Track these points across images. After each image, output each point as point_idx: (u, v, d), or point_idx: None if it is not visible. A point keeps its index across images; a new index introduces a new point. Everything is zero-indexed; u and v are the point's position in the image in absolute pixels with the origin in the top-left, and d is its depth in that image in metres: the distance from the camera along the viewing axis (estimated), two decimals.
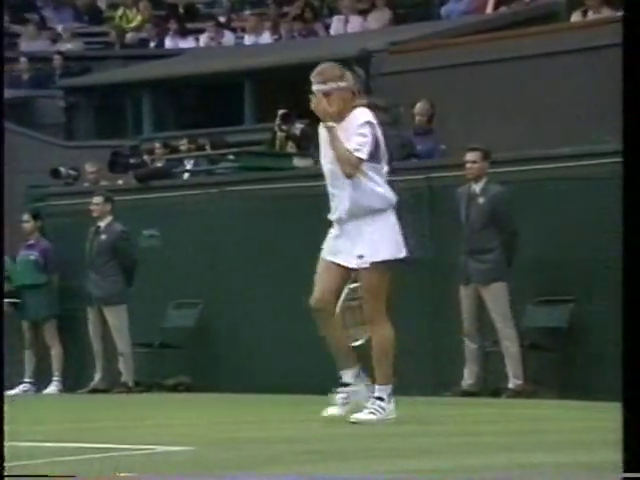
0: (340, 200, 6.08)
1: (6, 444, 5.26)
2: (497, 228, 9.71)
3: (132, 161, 13.21)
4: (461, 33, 14.27)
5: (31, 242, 12.69)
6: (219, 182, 12.14)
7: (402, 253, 6.09)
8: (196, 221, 11.78)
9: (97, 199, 12.03)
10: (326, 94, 6.07)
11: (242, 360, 11.19)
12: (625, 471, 2.69)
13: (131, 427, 6.51)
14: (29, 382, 12.60)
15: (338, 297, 6.10)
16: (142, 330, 11.84)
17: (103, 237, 11.98)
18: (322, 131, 6.18)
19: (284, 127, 12.47)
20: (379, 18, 16.33)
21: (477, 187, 9.84)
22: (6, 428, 6.56)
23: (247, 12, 17.36)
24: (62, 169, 13.30)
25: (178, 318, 11.88)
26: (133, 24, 17.84)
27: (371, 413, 6.04)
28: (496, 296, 9.66)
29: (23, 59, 16.87)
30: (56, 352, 12.54)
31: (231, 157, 13.06)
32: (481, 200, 9.80)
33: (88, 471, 4.17)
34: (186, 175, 13.38)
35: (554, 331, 9.69)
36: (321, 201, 11.58)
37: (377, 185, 6.03)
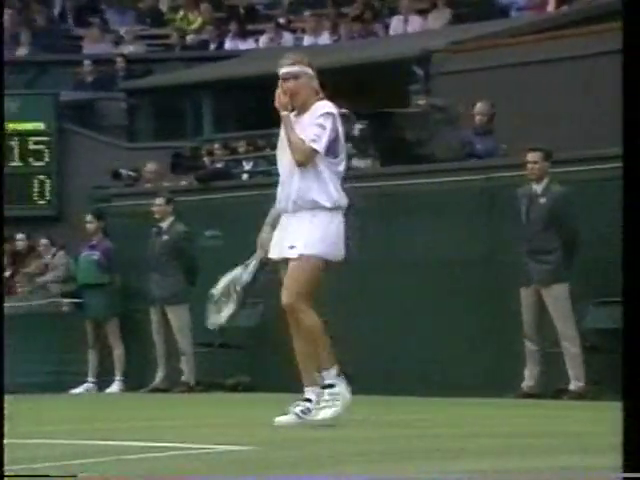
0: (288, 192, 5.96)
1: (70, 442, 5.34)
2: (558, 229, 9.64)
3: (193, 162, 13.31)
4: (522, 32, 14.17)
5: (94, 242, 12.84)
6: (278, 182, 12.16)
7: (336, 257, 5.91)
8: (256, 221, 11.83)
9: (159, 200, 12.15)
10: (295, 77, 5.96)
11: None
12: (625, 471, 2.65)
13: (192, 426, 6.56)
14: (92, 381, 12.75)
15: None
16: (203, 330, 11.92)
17: (165, 238, 12.08)
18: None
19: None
20: (439, 17, 16.27)
21: (538, 188, 9.78)
22: (69, 427, 6.66)
23: (306, 13, 17.39)
24: (122, 171, 13.45)
25: (239, 318, 11.93)
26: (194, 26, 17.95)
27: (329, 407, 5.83)
28: (557, 297, 9.59)
29: (86, 62, 17.06)
30: (118, 351, 12.67)
31: None
32: (542, 201, 9.74)
33: (148, 470, 4.22)
34: (245, 176, 13.45)
35: (616, 332, 9.59)
36: (379, 201, 11.61)
37: (327, 182, 5.87)
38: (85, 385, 12.73)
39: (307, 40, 17.00)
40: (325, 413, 5.86)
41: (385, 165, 11.58)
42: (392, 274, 10.91)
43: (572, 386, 9.47)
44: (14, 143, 15.41)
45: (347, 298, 11.13)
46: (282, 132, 6.06)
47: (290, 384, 11.51)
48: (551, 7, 15.37)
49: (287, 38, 17.23)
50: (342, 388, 5.89)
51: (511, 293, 9.81)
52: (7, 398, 12.05)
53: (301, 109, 5.98)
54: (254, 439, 5.31)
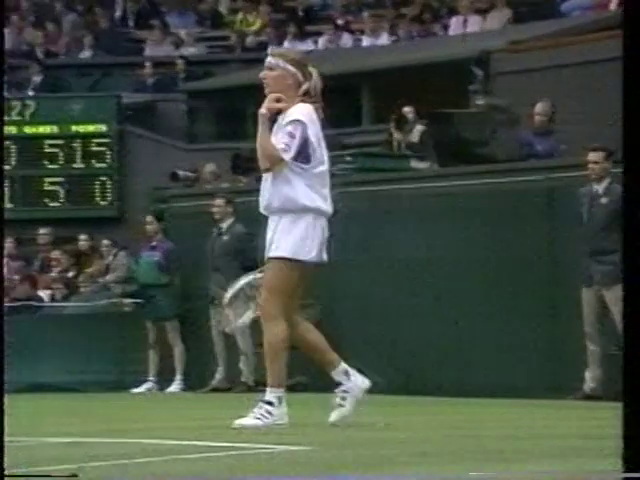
0: (262, 195, 5.96)
1: (132, 440, 5.36)
2: (620, 229, 9.49)
3: (252, 163, 13.33)
4: (582, 31, 14.01)
5: (154, 243, 12.92)
6: (336, 183, 12.14)
7: (307, 256, 5.80)
8: None
9: (218, 201, 12.18)
10: (270, 68, 5.94)
11: (359, 360, 11.19)
12: (625, 471, 2.59)
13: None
14: (153, 381, 12.83)
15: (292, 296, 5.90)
16: (262, 330, 11.92)
17: (225, 238, 12.12)
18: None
19: (399, 129, 12.47)
20: (498, 17, 16.15)
21: (600, 187, 9.66)
22: (129, 426, 6.68)
23: (365, 14, 17.36)
24: (180, 172, 13.52)
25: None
26: (253, 28, 18.02)
27: (257, 418, 5.77)
28: (619, 298, 9.45)
29: (147, 64, 17.19)
30: (178, 351, 12.73)
31: (348, 158, 13.08)
32: (604, 200, 9.61)
33: (206, 470, 4.22)
34: None
35: None
36: (440, 202, 11.52)
37: (296, 188, 5.79)
38: (146, 384, 12.80)
39: (366, 41, 16.96)
40: (244, 420, 5.81)
41: (444, 166, 11.51)
42: (452, 272, 10.83)
43: None
44: (77, 145, 15.57)
45: (399, 297, 11.08)
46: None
47: None
48: (613, 5, 15.17)
49: (346, 39, 17.21)
50: (280, 410, 5.83)
51: (572, 294, 9.70)
52: (71, 396, 12.12)
53: (284, 107, 5.91)
54: (313, 439, 5.29)
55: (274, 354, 5.86)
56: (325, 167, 5.95)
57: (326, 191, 5.93)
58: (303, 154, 5.84)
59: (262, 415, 5.80)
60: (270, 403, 5.83)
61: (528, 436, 5.60)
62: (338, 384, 5.99)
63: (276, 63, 5.94)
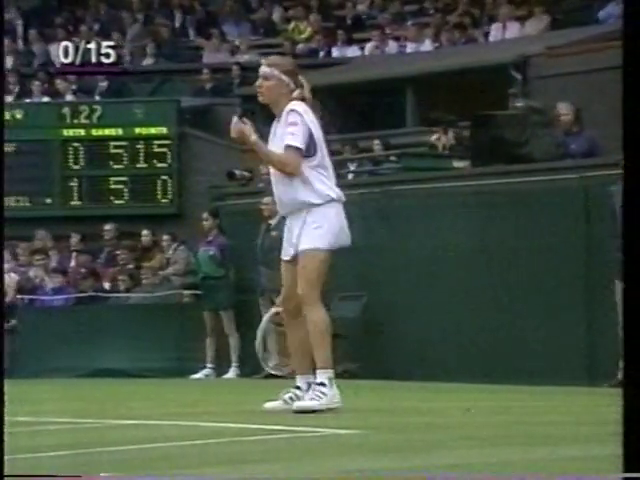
0: (280, 197, 5.85)
1: (191, 423, 5.40)
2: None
3: None
4: (617, 37, 13.86)
5: (210, 238, 13.00)
6: (381, 182, 12.16)
7: (336, 243, 5.76)
8: (363, 220, 11.83)
9: (267, 199, 12.21)
10: (265, 77, 5.89)
11: (403, 349, 11.19)
12: (625, 471, 2.54)
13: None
14: (210, 367, 12.90)
15: None
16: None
17: (273, 234, 12.17)
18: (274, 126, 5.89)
19: (441, 131, 12.44)
20: (537, 24, 16.04)
21: None
22: (189, 410, 6.73)
23: (409, 22, 17.31)
24: (236, 171, 13.57)
25: (344, 309, 11.96)
26: (304, 35, 18.03)
27: (312, 399, 5.75)
28: None
29: (205, 70, 17.29)
30: (233, 340, 12.80)
31: (393, 158, 13.07)
32: None
33: (261, 451, 4.24)
34: (350, 176, 13.46)
35: None
36: (477, 199, 11.45)
37: (313, 183, 5.69)
38: (204, 371, 12.88)
39: (410, 47, 16.91)
40: (302, 403, 5.78)
41: (477, 166, 11.45)
42: (487, 266, 10.80)
43: None
44: (140, 146, 15.68)
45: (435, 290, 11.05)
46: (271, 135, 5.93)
47: (393, 371, 11.43)
48: None
49: (391, 45, 17.17)
50: (332, 391, 5.80)
51: (608, 285, 9.62)
52: (133, 381, 12.17)
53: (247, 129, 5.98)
54: (360, 423, 5.29)
55: (319, 337, 5.81)
56: (328, 159, 5.85)
57: (334, 181, 5.85)
58: (311, 144, 5.72)
59: (317, 396, 5.79)
60: (322, 384, 5.81)
61: (563, 422, 5.56)
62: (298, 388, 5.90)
63: (271, 73, 5.85)
